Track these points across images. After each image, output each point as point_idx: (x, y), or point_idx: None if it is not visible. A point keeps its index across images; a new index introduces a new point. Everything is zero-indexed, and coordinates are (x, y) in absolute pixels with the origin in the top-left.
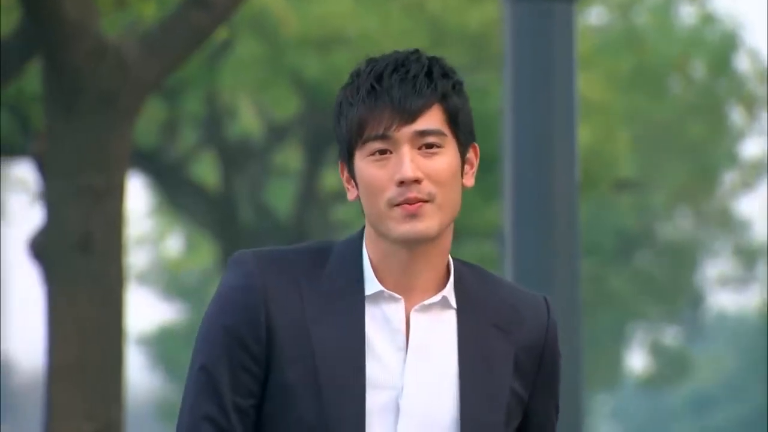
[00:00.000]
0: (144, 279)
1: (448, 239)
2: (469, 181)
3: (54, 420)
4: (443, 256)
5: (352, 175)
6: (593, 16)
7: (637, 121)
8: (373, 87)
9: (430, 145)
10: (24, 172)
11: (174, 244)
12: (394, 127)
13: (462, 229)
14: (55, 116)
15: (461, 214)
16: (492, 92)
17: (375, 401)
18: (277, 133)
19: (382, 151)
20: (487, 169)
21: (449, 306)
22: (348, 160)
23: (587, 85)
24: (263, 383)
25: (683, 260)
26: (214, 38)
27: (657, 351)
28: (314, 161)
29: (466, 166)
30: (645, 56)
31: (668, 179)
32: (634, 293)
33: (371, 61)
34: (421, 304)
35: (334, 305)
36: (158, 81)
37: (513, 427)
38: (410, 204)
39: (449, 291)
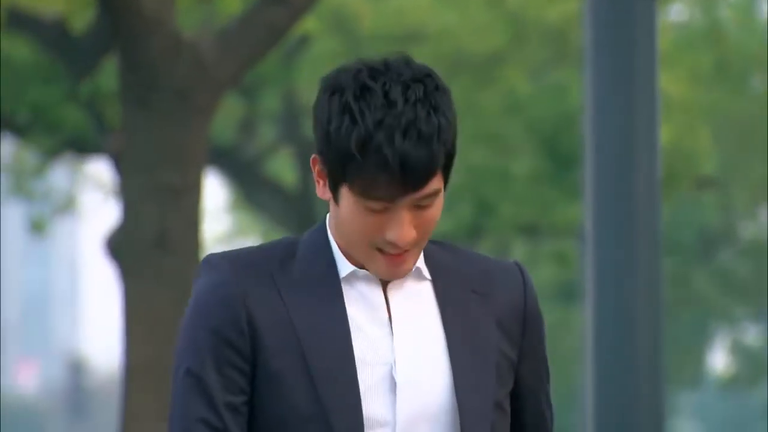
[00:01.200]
0: None
1: None
2: None
3: (129, 421)
4: None
5: (332, 188)
6: (674, 13)
7: (719, 117)
8: (381, 147)
9: (426, 203)
10: (99, 169)
11: (251, 242)
12: (398, 196)
13: (542, 227)
14: (131, 113)
15: (542, 211)
16: (572, 89)
17: (369, 379)
18: None
19: (382, 207)
20: (568, 167)
21: (423, 277)
22: (331, 177)
23: (668, 81)
24: (251, 379)
25: (766, 259)
26: (291, 35)
27: (739, 351)
28: None
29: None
30: (726, 52)
31: (750, 176)
32: (717, 292)
33: (371, 86)
34: (398, 278)
35: (311, 291)
36: (235, 78)
37: (505, 391)
38: (397, 255)
39: (421, 263)
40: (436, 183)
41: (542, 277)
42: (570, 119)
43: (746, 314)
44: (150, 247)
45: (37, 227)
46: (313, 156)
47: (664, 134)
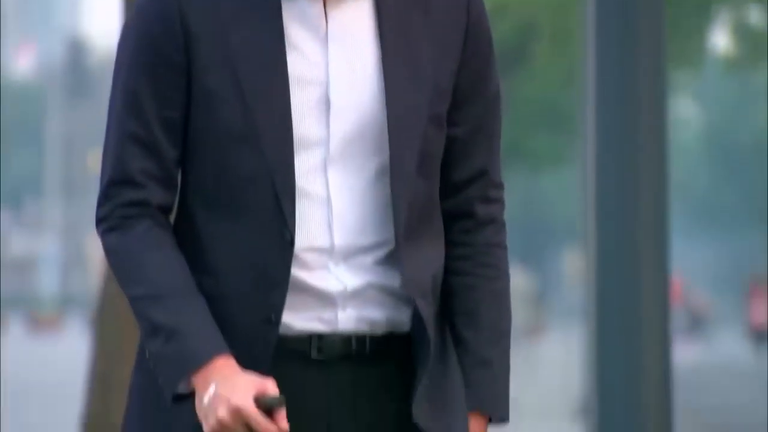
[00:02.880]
0: None
1: None
2: None
3: None
4: None
5: None
6: None
7: None
8: None
9: None
10: None
11: None
12: None
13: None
14: None
15: None
16: None
17: (304, 98)
18: None
19: None
20: None
21: None
22: None
23: None
24: (187, 94)
25: None
26: None
27: (741, 31)
28: None
29: None
30: None
31: None
32: None
33: None
34: None
35: (250, 5)
36: None
37: (442, 107)
38: None
39: None
40: None
41: None
42: None
43: None
44: None
45: None
46: None
47: None
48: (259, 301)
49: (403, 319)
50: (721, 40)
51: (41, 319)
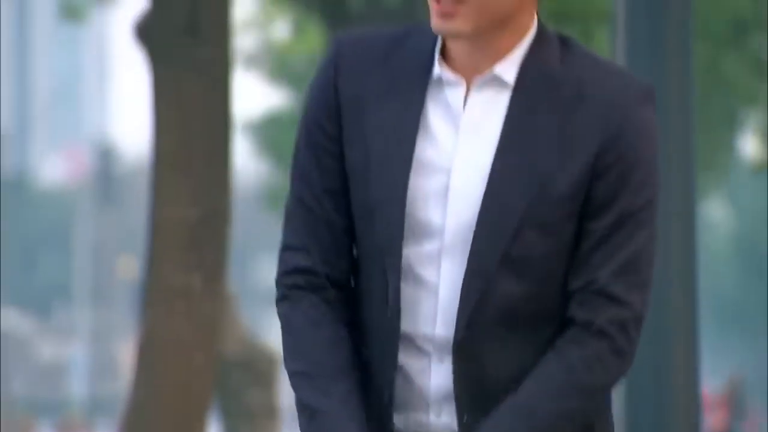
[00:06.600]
0: (251, 63)
1: (516, 25)
2: None
3: (159, 206)
4: (512, 41)
5: None
6: None
7: None
8: None
9: None
10: None
11: (281, 28)
12: None
13: (572, 13)
14: None
15: None
16: None
17: (427, 183)
18: None
19: None
20: None
21: (506, 85)
22: None
23: None
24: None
25: None
26: None
27: None
28: None
29: None
30: None
31: None
32: (748, 78)
33: None
34: (477, 83)
35: (397, 86)
36: None
37: (550, 214)
38: (444, 3)
39: (505, 68)
40: None
41: None
42: None
43: None
44: (179, 33)
45: (72, 13)
46: None
47: None
48: (379, 384)
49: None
50: (749, 144)
51: (71, 424)
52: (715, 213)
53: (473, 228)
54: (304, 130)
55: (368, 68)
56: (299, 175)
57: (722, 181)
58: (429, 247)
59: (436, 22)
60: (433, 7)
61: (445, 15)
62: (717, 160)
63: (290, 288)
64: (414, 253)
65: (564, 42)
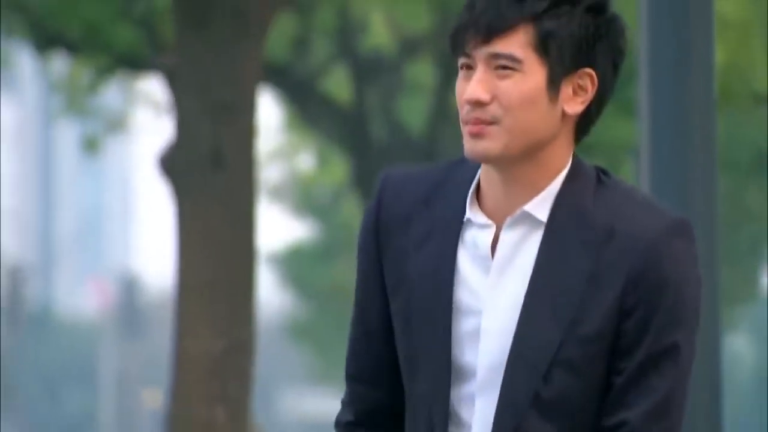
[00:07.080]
0: (276, 195)
1: (550, 159)
2: (573, 108)
3: (183, 338)
4: (546, 176)
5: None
6: None
7: None
8: (471, 4)
9: (504, 67)
10: (151, 87)
11: (306, 160)
12: (472, 46)
13: (596, 144)
14: (184, 30)
15: (596, 128)
16: (627, 6)
17: (462, 326)
18: (409, 47)
19: (468, 66)
20: (623, 84)
21: (538, 222)
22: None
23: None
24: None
25: None
26: None
27: None
28: (447, 76)
29: (572, 93)
30: None
31: None
32: None
33: None
34: (507, 222)
35: (435, 232)
36: None
37: (579, 353)
38: (473, 124)
39: (536, 206)
40: (512, 46)
41: None
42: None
43: None
44: (204, 165)
45: (90, 145)
46: None
47: (719, 51)
48: None
49: None
50: None
51: None
52: (739, 347)
53: (504, 367)
54: (358, 267)
55: (410, 213)
56: (355, 310)
57: (746, 314)
58: (466, 388)
59: (467, 147)
60: (464, 130)
61: (476, 135)
62: (740, 293)
63: (348, 425)
64: (455, 395)
65: (600, 176)
